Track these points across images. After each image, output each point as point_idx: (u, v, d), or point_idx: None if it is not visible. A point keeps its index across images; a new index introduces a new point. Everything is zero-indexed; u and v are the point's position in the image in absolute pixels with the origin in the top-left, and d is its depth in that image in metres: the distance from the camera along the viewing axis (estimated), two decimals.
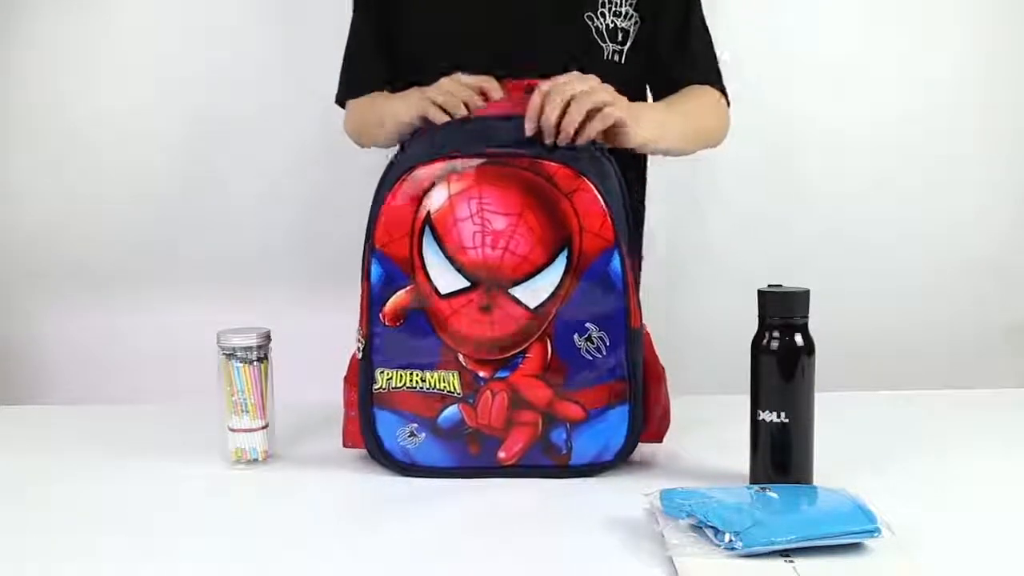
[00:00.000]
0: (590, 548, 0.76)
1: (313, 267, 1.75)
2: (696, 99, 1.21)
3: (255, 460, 0.98)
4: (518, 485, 0.90)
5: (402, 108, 1.04)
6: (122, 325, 1.75)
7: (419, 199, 0.88)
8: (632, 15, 1.19)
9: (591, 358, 0.89)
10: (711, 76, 1.25)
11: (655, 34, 1.22)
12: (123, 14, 1.73)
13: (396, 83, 1.18)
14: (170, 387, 1.58)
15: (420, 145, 0.93)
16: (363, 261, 0.91)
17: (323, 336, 1.54)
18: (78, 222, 1.76)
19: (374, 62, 1.25)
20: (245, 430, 0.97)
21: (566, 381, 0.90)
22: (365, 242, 0.91)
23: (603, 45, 1.18)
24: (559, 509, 0.85)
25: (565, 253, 0.88)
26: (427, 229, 0.88)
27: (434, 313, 0.89)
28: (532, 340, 0.89)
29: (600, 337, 0.89)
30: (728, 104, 1.26)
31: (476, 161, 0.88)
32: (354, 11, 1.28)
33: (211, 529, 0.82)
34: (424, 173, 0.88)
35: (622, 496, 0.85)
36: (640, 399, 0.91)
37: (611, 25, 1.18)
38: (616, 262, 0.88)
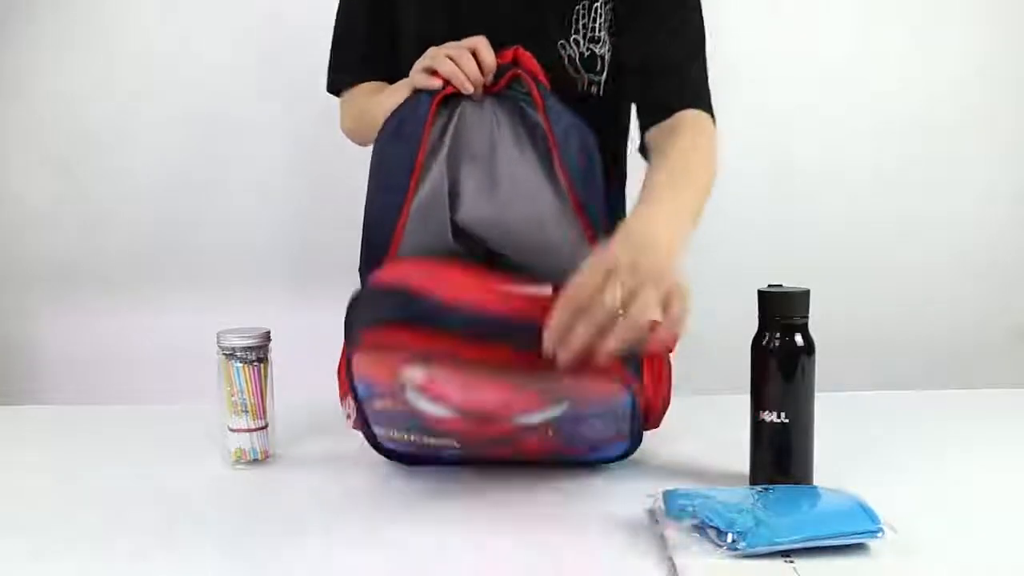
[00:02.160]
0: (591, 548, 0.76)
1: (313, 267, 1.75)
2: (696, 158, 1.00)
3: (255, 460, 0.98)
4: (519, 485, 0.90)
5: (398, 93, 1.00)
6: (122, 325, 1.75)
7: (394, 370, 0.80)
8: (606, 41, 1.08)
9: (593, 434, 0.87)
10: (703, 100, 1.07)
11: (636, 46, 1.07)
12: (123, 14, 1.73)
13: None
14: (170, 387, 1.58)
15: (368, 307, 0.81)
16: (345, 356, 0.83)
17: (323, 336, 1.54)
18: (78, 222, 1.76)
19: (367, 43, 1.18)
20: (245, 430, 0.97)
21: (565, 443, 0.88)
22: (345, 336, 0.83)
23: (576, 76, 1.08)
24: (560, 508, 0.85)
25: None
26: (410, 390, 0.81)
27: (424, 419, 0.85)
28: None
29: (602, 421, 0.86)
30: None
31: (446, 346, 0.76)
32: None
33: (211, 529, 0.82)
34: (394, 348, 0.78)
35: (623, 496, 0.85)
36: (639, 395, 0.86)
37: (585, 53, 1.08)
38: (627, 400, 0.83)
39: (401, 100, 0.99)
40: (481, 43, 0.96)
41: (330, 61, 1.24)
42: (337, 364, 0.97)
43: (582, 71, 1.08)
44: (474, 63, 0.95)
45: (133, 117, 1.74)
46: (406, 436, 0.88)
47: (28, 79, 1.74)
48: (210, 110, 1.74)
